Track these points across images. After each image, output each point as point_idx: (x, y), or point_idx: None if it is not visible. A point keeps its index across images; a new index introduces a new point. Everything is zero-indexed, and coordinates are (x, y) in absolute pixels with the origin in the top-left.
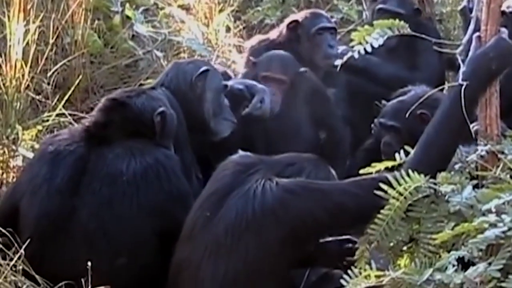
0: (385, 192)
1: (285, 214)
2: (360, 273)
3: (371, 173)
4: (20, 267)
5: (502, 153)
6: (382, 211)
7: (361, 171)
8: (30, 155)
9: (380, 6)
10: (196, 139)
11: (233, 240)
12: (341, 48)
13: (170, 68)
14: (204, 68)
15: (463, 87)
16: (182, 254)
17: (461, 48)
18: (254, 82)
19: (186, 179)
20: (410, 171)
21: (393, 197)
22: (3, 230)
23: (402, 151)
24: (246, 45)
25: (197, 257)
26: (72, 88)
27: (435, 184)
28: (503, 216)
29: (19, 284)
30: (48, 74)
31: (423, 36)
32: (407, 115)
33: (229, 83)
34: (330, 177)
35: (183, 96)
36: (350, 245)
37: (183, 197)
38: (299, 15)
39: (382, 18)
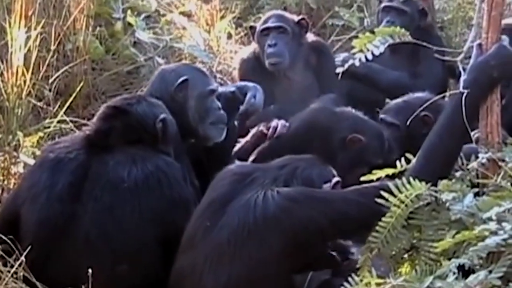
0: (387, 200)
1: (287, 221)
2: (361, 281)
3: (372, 180)
4: (21, 274)
5: (503, 161)
6: (383, 218)
7: (362, 178)
8: (32, 161)
9: (385, 4)
10: (189, 145)
11: (236, 247)
12: (342, 55)
13: (155, 76)
14: (183, 78)
15: (464, 94)
16: (184, 262)
17: (462, 55)
18: (244, 82)
19: None
20: (411, 179)
21: (395, 205)
22: (4, 237)
23: (403, 159)
24: (237, 58)
25: (199, 265)
26: (74, 95)
27: (436, 191)
28: (504, 224)
29: None
30: (50, 81)
31: (425, 43)
32: (409, 115)
33: (221, 89)
34: (325, 175)
35: (167, 105)
36: (352, 250)
37: (185, 204)
38: None
39: (387, 16)
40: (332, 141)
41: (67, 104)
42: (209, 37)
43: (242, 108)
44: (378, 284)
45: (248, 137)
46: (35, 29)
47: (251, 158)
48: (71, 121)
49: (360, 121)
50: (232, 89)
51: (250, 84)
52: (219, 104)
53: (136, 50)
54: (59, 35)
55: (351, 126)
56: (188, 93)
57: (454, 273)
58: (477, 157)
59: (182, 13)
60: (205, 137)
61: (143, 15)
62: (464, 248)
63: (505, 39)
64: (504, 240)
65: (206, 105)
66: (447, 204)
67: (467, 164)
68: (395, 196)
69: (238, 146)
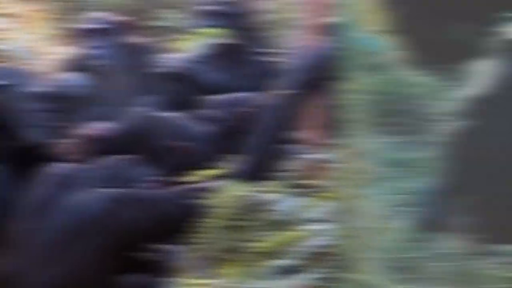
0: (209, 200)
1: (111, 222)
2: (183, 282)
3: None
4: None
5: (325, 162)
6: (206, 219)
7: (184, 179)
8: None
9: (206, 7)
10: (9, 147)
11: (59, 249)
12: (165, 57)
13: None
14: (3, 80)
15: (284, 96)
16: (6, 266)
17: (283, 57)
18: (61, 76)
19: None
20: (233, 179)
21: (216, 206)
22: None
23: (224, 159)
24: (59, 59)
25: (22, 268)
26: None
27: (257, 192)
28: (326, 225)
29: None
30: None
31: (247, 45)
32: (229, 111)
33: (42, 89)
34: (147, 175)
35: None
36: (175, 251)
37: (7, 206)
38: None
39: (209, 19)
40: (155, 146)
41: None
42: (31, 38)
43: (62, 91)
44: (199, 285)
45: (71, 138)
46: None
47: (74, 159)
48: None
49: (182, 126)
50: (52, 85)
51: (67, 74)
52: (40, 106)
53: None
54: None
55: (173, 132)
56: (7, 95)
57: (275, 274)
58: (299, 158)
59: (3, 14)
60: (25, 139)
61: None
62: (286, 248)
63: (325, 40)
64: (326, 241)
65: (26, 107)
66: (269, 205)
67: (289, 165)
68: (217, 196)
69: (60, 147)
